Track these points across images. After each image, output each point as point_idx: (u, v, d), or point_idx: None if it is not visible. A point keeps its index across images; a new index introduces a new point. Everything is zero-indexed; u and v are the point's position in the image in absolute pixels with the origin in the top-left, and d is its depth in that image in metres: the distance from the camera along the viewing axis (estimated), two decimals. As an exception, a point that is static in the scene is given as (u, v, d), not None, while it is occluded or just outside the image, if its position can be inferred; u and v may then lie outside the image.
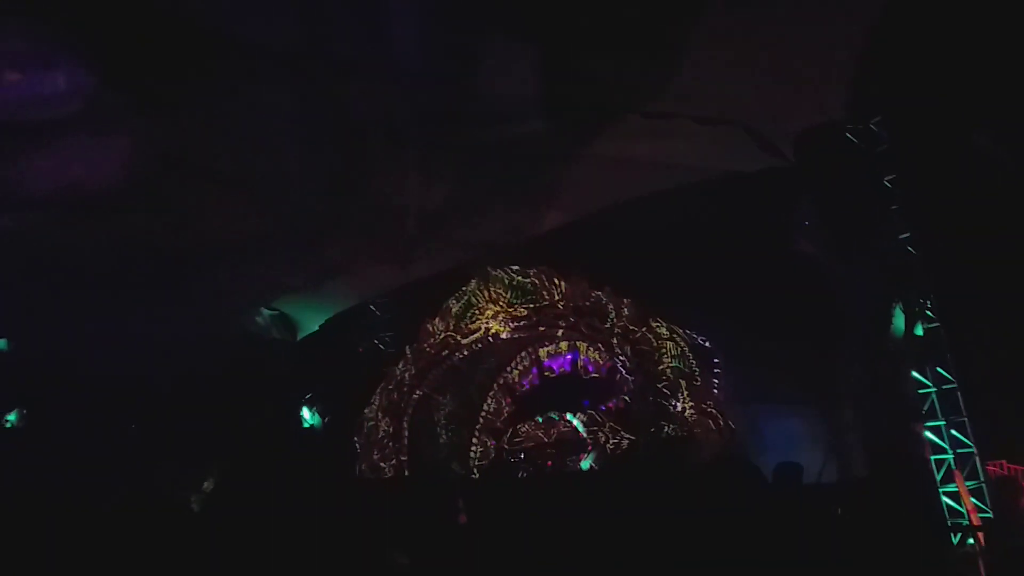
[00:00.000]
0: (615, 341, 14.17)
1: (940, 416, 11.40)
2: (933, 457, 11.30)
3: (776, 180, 11.66)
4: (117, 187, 7.96)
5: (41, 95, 6.97)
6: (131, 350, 11.11)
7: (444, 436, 16.03)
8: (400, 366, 16.12)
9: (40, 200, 8.03)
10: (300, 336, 15.57)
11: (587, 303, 14.60)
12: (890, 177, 12.15)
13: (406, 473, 15.28)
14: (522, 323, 15.13)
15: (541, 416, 15.23)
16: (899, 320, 11.65)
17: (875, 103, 11.69)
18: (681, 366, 13.55)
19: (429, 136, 9.02)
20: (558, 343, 15.64)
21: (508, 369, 15.86)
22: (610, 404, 14.97)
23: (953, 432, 11.26)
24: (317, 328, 15.59)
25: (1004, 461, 10.90)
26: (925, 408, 11.52)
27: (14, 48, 6.75)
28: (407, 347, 16.17)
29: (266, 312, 14.61)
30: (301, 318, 15.02)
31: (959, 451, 11.15)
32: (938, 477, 11.18)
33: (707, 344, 13.89)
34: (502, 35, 8.26)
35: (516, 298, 15.17)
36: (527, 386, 16.01)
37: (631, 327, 14.08)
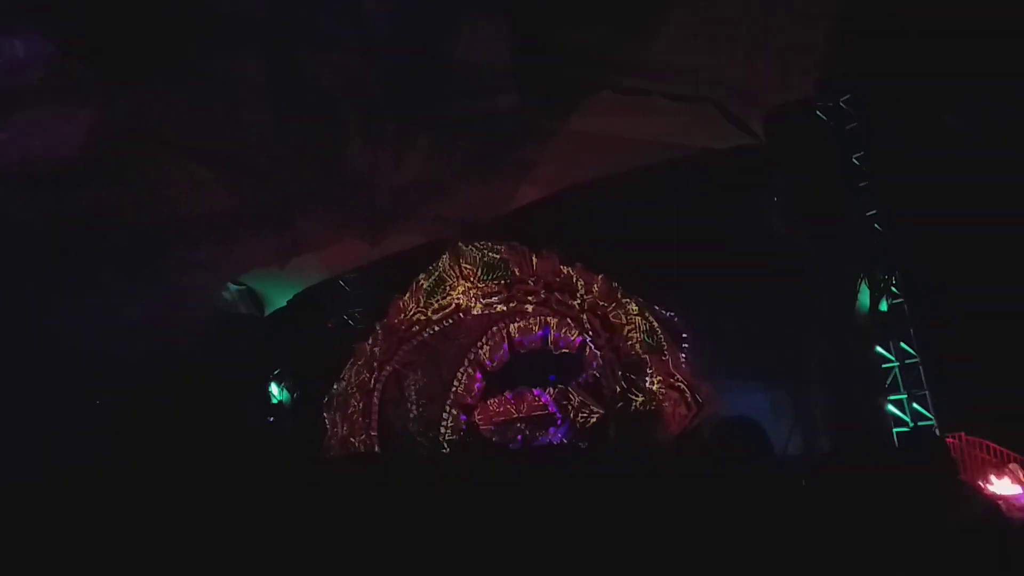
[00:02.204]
0: (584, 317, 14.27)
1: (902, 390, 11.70)
2: (895, 430, 11.61)
3: (746, 157, 11.74)
4: (81, 161, 7.76)
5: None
6: (96, 328, 10.91)
7: (415, 411, 16.04)
8: (370, 342, 16.10)
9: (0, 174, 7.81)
10: (268, 312, 15.40)
11: (557, 279, 14.65)
12: (858, 155, 12.33)
13: (376, 448, 15.31)
14: (493, 299, 15.17)
15: (511, 391, 15.32)
16: (864, 296, 11.88)
17: (845, 81, 11.81)
18: (650, 341, 13.67)
19: (401, 110, 8.92)
20: (528, 319, 15.69)
21: (479, 345, 15.89)
22: (580, 379, 15.09)
23: (915, 405, 11.57)
24: (285, 304, 15.43)
25: (963, 433, 11.22)
26: (888, 382, 11.81)
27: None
28: (377, 323, 16.15)
29: (233, 287, 14.39)
30: (269, 293, 14.85)
31: (920, 423, 11.46)
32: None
33: (676, 319, 14.01)
34: (476, 7, 8.16)
35: (487, 274, 15.19)
36: (498, 362, 16.06)
37: (600, 303, 14.17)
